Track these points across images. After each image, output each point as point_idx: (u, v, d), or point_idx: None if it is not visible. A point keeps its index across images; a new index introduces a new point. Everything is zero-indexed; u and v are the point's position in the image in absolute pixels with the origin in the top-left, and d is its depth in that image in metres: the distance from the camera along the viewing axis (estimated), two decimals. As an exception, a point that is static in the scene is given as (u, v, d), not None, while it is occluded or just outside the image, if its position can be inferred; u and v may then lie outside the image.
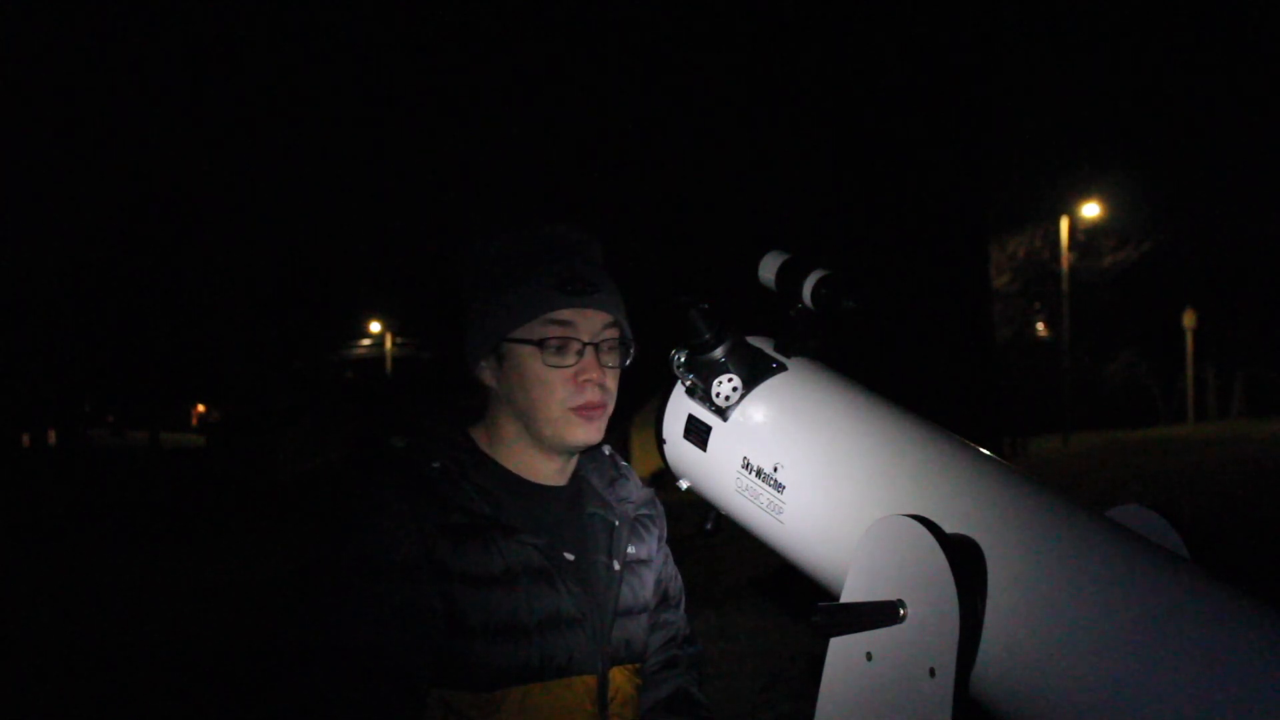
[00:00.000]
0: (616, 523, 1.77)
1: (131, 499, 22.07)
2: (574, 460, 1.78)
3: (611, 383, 1.70)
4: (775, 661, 6.11)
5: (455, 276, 1.78)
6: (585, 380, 1.66)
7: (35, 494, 22.87)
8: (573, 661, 1.63)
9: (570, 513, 1.75)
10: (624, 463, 1.88)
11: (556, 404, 1.66)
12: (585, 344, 1.67)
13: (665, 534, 1.89)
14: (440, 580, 1.56)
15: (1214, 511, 9.86)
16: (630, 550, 1.77)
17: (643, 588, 1.78)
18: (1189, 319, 25.26)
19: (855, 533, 1.18)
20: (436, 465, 1.62)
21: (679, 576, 1.92)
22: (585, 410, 1.67)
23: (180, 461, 35.93)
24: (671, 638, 1.87)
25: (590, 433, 1.69)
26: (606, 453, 1.86)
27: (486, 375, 1.71)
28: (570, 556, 1.68)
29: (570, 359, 1.66)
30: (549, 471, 1.74)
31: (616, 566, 1.73)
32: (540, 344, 1.65)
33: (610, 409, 1.72)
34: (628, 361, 1.75)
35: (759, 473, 1.41)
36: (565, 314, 1.66)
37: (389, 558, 1.54)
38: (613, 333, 1.70)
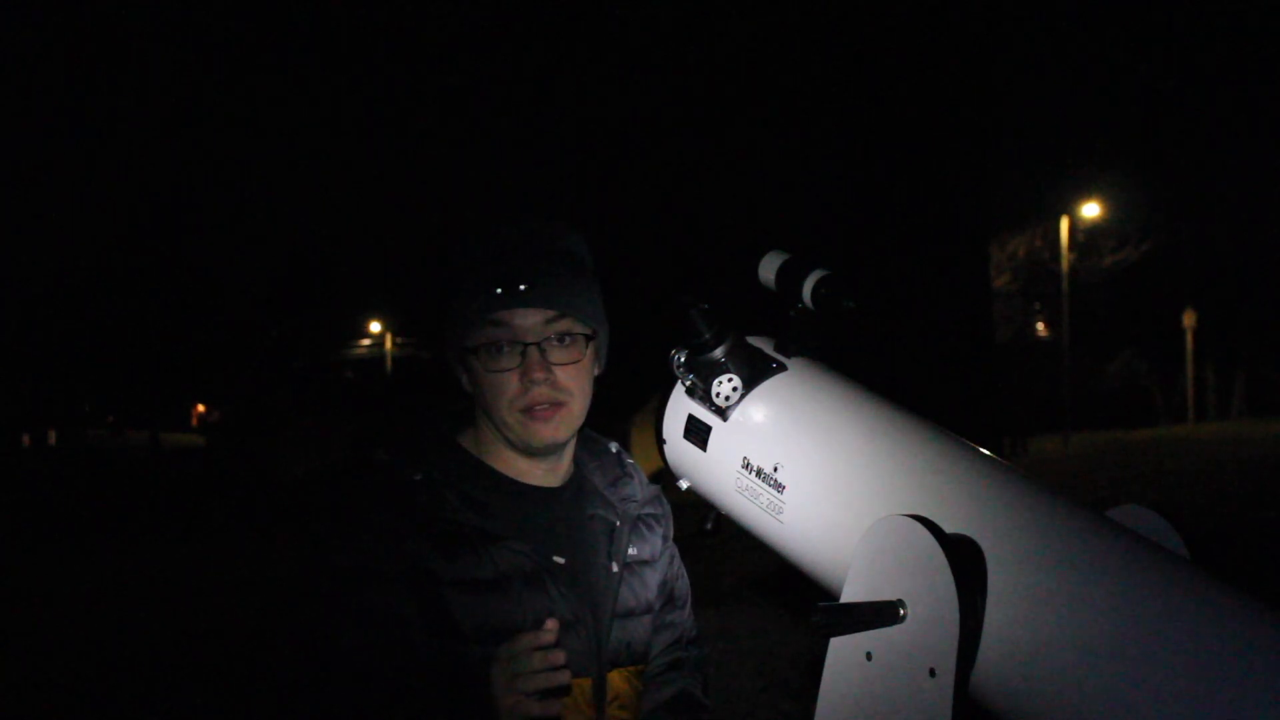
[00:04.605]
0: (617, 524, 1.75)
1: (131, 499, 22.02)
2: (565, 461, 1.76)
3: (567, 378, 1.66)
4: (775, 661, 6.09)
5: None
6: (530, 380, 1.64)
7: (35, 494, 22.83)
8: (567, 665, 1.62)
9: (567, 514, 1.74)
10: (630, 461, 1.86)
11: (506, 407, 1.65)
12: (527, 344, 1.64)
13: (672, 532, 1.87)
14: (429, 587, 1.57)
15: (1214, 511, 9.86)
16: (631, 551, 1.75)
17: (644, 589, 1.77)
18: (1189, 319, 25.30)
19: (855, 533, 1.17)
20: (419, 477, 1.62)
21: (685, 576, 1.89)
22: (536, 410, 1.65)
23: (180, 461, 35.82)
24: (677, 639, 1.85)
25: (550, 431, 1.66)
26: (613, 450, 1.85)
27: (465, 383, 1.72)
28: (560, 560, 1.67)
29: (511, 361, 1.64)
30: (537, 473, 1.73)
31: (615, 568, 1.72)
32: (476, 350, 1.65)
33: (574, 405, 1.68)
34: (596, 351, 1.71)
35: (759, 473, 1.40)
36: (500, 316, 1.64)
37: (369, 569, 1.56)
38: (561, 326, 1.66)
